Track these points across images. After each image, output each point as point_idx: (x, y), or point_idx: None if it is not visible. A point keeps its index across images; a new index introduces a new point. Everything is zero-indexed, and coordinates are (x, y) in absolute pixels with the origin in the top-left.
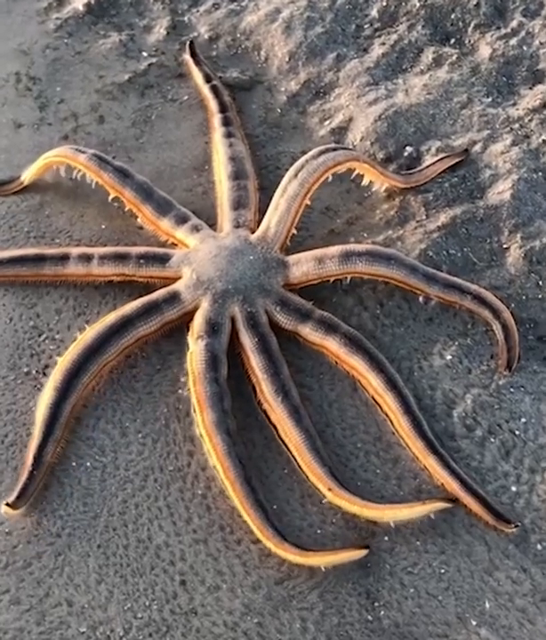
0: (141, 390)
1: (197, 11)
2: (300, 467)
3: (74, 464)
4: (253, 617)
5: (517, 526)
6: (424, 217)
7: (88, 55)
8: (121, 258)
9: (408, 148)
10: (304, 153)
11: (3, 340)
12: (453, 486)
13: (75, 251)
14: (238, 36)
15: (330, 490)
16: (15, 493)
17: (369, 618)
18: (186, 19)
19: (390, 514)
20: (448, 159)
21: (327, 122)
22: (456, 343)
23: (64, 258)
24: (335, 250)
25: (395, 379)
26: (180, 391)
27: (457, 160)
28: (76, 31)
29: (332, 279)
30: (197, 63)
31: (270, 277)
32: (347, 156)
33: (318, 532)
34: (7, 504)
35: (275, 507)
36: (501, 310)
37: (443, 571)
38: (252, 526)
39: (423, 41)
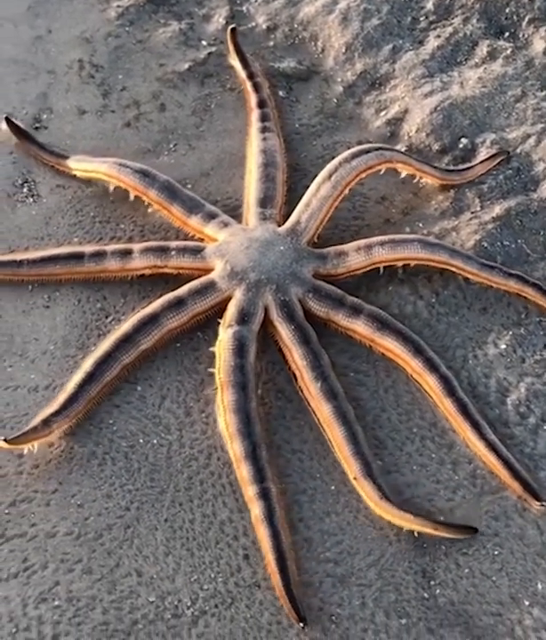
0: (204, 372)
1: (256, 1)
2: (334, 449)
3: (141, 441)
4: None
5: (543, 505)
6: (479, 208)
7: (149, 43)
8: (159, 250)
9: (463, 140)
10: (360, 143)
11: (72, 321)
12: (490, 459)
13: (110, 247)
14: (296, 26)
15: (355, 479)
16: (10, 436)
17: (425, 595)
18: (244, 8)
19: (399, 522)
20: (489, 160)
21: (383, 113)
22: (510, 333)
23: (100, 254)
24: (359, 242)
25: (433, 359)
26: None
27: (500, 160)
28: (136, 19)
29: (361, 272)
30: (241, 56)
31: (302, 266)
32: (380, 159)
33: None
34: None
35: (332, 488)
36: (527, 277)
37: (496, 552)
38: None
39: (478, 34)
